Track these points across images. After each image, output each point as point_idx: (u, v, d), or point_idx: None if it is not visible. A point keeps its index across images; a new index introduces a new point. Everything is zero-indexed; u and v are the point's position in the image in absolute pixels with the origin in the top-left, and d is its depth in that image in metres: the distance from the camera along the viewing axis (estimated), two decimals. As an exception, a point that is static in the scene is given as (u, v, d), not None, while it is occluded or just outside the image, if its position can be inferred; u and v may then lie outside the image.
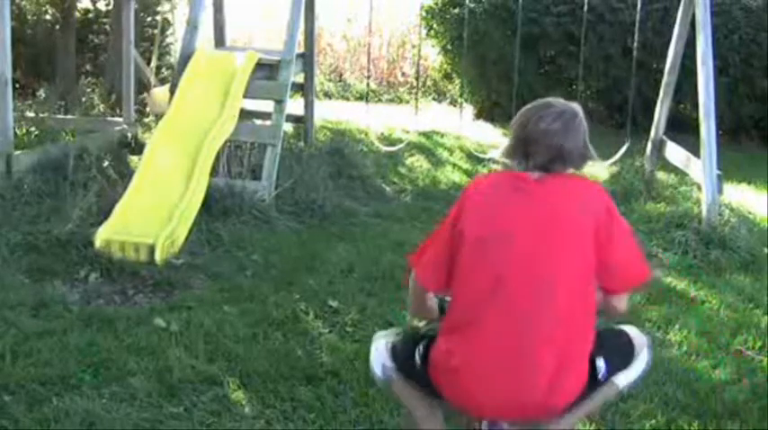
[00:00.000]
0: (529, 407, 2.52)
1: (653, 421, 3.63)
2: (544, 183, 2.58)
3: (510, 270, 2.49)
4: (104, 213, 5.41)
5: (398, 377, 2.79)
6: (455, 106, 11.56)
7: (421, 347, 2.69)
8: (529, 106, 2.69)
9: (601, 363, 2.60)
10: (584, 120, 2.67)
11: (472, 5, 10.52)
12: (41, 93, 9.13)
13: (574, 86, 10.30)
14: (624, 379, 2.72)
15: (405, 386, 2.78)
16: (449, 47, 11.63)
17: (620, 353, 2.73)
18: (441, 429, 2.80)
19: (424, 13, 11.16)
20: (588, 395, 2.61)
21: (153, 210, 5.44)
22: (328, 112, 10.47)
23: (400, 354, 2.78)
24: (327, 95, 12.74)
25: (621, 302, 2.66)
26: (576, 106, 2.69)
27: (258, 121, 7.68)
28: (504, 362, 2.49)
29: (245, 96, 6.62)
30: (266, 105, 7.33)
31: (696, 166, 6.66)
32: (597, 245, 2.51)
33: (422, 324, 2.98)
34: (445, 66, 12.28)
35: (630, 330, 2.87)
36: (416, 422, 2.79)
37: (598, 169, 8.22)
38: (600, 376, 2.61)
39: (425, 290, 2.69)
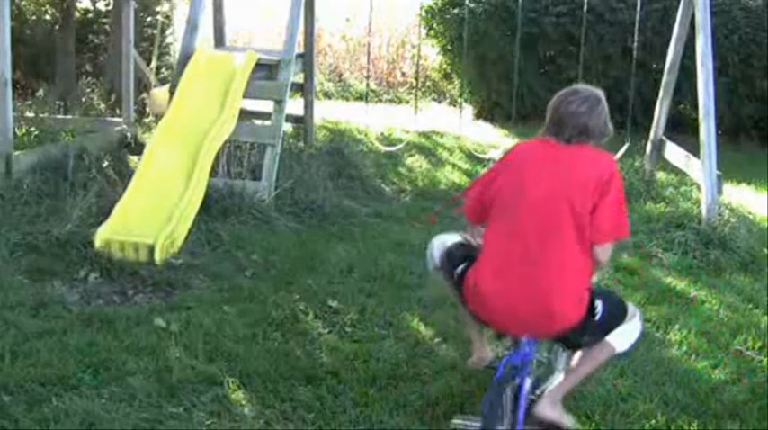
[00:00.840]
0: (542, 324, 3.15)
1: (653, 421, 3.63)
2: (568, 148, 3.23)
3: (527, 213, 3.14)
4: (104, 213, 5.41)
5: (444, 276, 3.53)
6: (455, 106, 11.56)
7: (460, 269, 3.35)
8: (561, 92, 3.34)
9: (599, 305, 3.16)
10: (605, 104, 3.29)
11: (472, 5, 10.53)
12: (41, 93, 9.12)
13: (573, 86, 10.27)
14: (619, 345, 3.25)
15: (445, 283, 3.55)
16: (449, 47, 11.63)
17: (615, 306, 3.30)
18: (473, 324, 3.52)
19: (423, 13, 11.17)
20: (586, 332, 3.16)
21: (153, 210, 5.44)
22: (328, 113, 10.47)
23: (447, 262, 3.48)
24: (327, 95, 12.74)
25: (605, 253, 3.18)
26: (599, 92, 3.31)
27: (258, 122, 7.68)
28: (522, 288, 3.11)
29: (244, 96, 6.62)
30: (266, 105, 7.33)
31: (696, 166, 6.66)
32: (593, 197, 3.09)
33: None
34: (445, 66, 12.28)
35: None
36: (461, 312, 3.58)
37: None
38: (597, 317, 3.16)
39: (468, 219, 3.49)
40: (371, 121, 9.38)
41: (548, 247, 3.10)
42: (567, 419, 3.25)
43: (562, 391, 3.27)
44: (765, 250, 6.06)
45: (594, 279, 3.39)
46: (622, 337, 3.27)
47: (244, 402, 3.59)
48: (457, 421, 3.27)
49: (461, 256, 3.43)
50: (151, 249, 5.05)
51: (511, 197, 3.20)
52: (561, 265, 3.10)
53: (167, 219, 5.32)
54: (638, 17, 8.20)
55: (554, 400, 3.22)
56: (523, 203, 3.16)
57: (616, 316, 3.26)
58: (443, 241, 3.60)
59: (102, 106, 9.02)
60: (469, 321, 3.53)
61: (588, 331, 3.17)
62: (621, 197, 3.19)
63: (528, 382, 3.20)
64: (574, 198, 3.09)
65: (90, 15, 10.91)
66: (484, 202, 3.32)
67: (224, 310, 4.50)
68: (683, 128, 9.33)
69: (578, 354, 3.33)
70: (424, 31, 11.47)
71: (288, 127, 8.11)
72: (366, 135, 9.25)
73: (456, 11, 11.09)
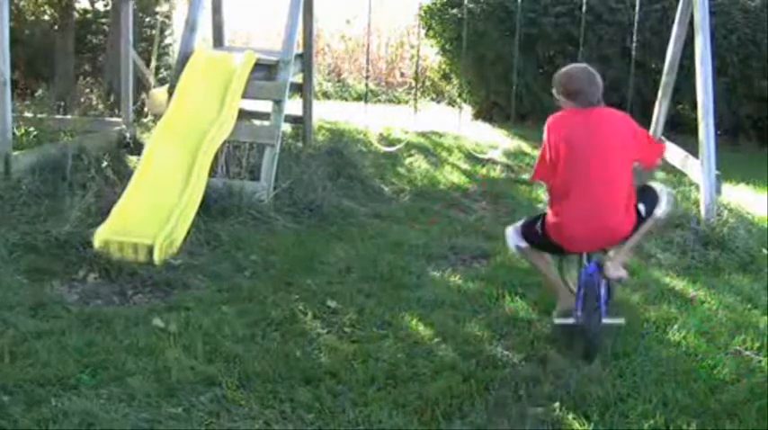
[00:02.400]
0: (606, 238, 4.24)
1: (652, 421, 3.63)
2: (592, 111, 4.26)
3: (583, 158, 4.17)
4: (103, 214, 5.41)
5: (527, 246, 4.42)
6: (454, 106, 11.56)
7: (539, 223, 4.36)
8: (564, 72, 4.38)
9: (641, 207, 4.28)
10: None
11: (471, 6, 10.52)
12: (40, 93, 9.12)
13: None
14: (659, 211, 4.29)
15: (531, 251, 4.44)
16: (447, 47, 11.63)
17: (651, 199, 4.35)
18: (554, 274, 4.53)
19: (422, 14, 11.17)
20: (638, 229, 4.25)
21: (151, 210, 5.44)
22: (327, 113, 10.47)
23: (527, 231, 4.43)
24: (326, 96, 12.74)
25: (655, 164, 4.76)
26: (587, 66, 4.41)
27: (257, 122, 7.67)
28: (588, 212, 4.15)
29: (243, 96, 6.62)
30: (265, 106, 7.33)
31: (694, 167, 6.66)
32: (633, 139, 4.27)
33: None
34: (444, 66, 12.28)
35: (653, 184, 4.60)
36: (543, 272, 4.52)
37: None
38: (643, 215, 4.27)
39: (542, 180, 4.53)
40: (370, 122, 9.38)
41: (604, 180, 4.15)
42: (625, 274, 4.37)
43: (621, 258, 4.31)
44: (764, 250, 6.06)
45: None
46: (659, 209, 4.31)
47: (243, 402, 3.59)
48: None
49: (536, 218, 4.46)
50: (150, 249, 5.05)
51: (569, 151, 4.19)
52: (616, 193, 4.18)
53: (166, 219, 5.33)
54: (636, 17, 8.20)
55: (616, 265, 4.24)
56: (580, 153, 4.17)
57: (653, 203, 4.32)
58: (513, 226, 4.53)
59: (101, 106, 9.01)
60: (553, 274, 4.52)
61: (638, 225, 4.28)
62: (645, 131, 4.54)
63: (603, 283, 4.22)
64: (615, 140, 4.21)
65: (89, 16, 10.91)
66: (548, 167, 4.32)
67: (223, 311, 4.50)
68: (682, 128, 9.32)
69: None
70: (422, 32, 11.46)
71: (287, 127, 8.11)
72: (365, 135, 9.24)
73: (455, 11, 11.08)
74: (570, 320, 4.21)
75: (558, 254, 4.52)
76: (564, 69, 4.42)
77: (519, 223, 4.54)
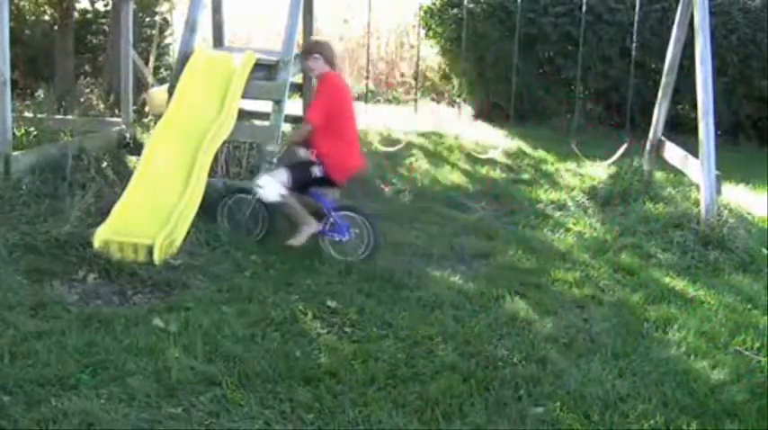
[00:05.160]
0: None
1: (651, 421, 3.63)
2: (341, 75, 5.84)
3: (351, 111, 5.70)
4: (103, 214, 5.41)
5: (288, 193, 5.42)
6: (454, 106, 11.56)
7: (313, 170, 5.48)
8: (322, 42, 5.84)
9: None
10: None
11: (471, 6, 10.53)
12: (40, 93, 9.11)
13: (572, 87, 10.30)
14: None
15: (291, 196, 5.45)
16: (447, 47, 11.63)
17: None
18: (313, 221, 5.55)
19: (422, 14, 11.17)
20: None
21: (151, 210, 5.44)
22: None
23: (299, 180, 5.47)
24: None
25: None
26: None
27: (257, 122, 7.67)
28: (357, 153, 5.74)
29: (243, 96, 6.61)
30: (265, 106, 7.33)
31: (694, 167, 6.66)
32: None
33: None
34: (444, 66, 12.28)
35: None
36: (298, 210, 5.50)
37: (597, 169, 8.24)
38: None
39: (317, 124, 5.55)
40: (371, 122, 9.38)
41: (356, 128, 5.71)
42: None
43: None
44: (764, 250, 6.06)
45: None
46: None
47: (243, 402, 3.59)
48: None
49: (303, 172, 5.52)
50: (150, 249, 5.05)
51: (347, 105, 5.60)
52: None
53: (166, 219, 5.32)
54: (636, 17, 8.20)
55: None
56: (348, 107, 5.62)
57: None
58: (271, 179, 5.44)
59: (101, 106, 9.01)
60: (304, 210, 5.52)
61: None
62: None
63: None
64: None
65: (89, 16, 10.91)
66: (327, 111, 5.46)
67: (223, 311, 4.50)
68: (681, 128, 9.33)
69: None
70: (422, 32, 11.47)
71: (287, 127, 8.10)
72: (365, 135, 9.24)
73: (455, 11, 11.10)
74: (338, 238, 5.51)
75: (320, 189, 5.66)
76: (319, 40, 5.93)
77: (278, 178, 5.41)
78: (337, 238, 5.51)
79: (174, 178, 5.74)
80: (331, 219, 5.53)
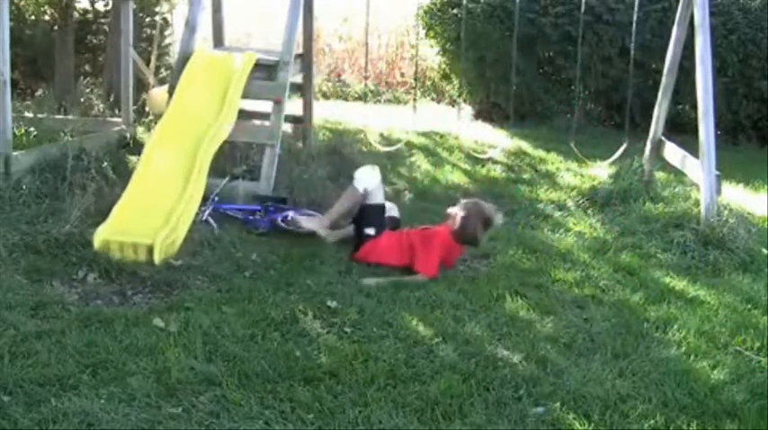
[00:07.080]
0: None
1: (651, 421, 3.63)
2: None
3: None
4: (103, 214, 5.40)
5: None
6: (454, 106, 11.57)
7: None
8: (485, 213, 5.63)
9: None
10: None
11: (471, 6, 10.53)
12: (40, 93, 9.12)
13: (572, 87, 10.31)
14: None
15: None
16: (447, 47, 11.63)
17: None
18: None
19: (422, 14, 11.17)
20: None
21: (151, 210, 5.44)
22: (327, 113, 10.47)
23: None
24: (326, 96, 12.74)
25: None
26: None
27: (257, 122, 7.67)
28: None
29: (243, 97, 6.62)
30: (265, 106, 7.33)
31: (695, 167, 6.66)
32: None
33: None
34: (444, 66, 12.29)
35: None
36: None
37: (597, 169, 8.24)
38: None
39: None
40: (370, 122, 9.38)
41: None
42: None
43: None
44: (764, 250, 6.06)
45: None
46: None
47: (243, 402, 3.59)
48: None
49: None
50: (150, 249, 5.05)
51: None
52: None
53: (166, 219, 5.32)
54: (635, 17, 8.20)
55: None
56: None
57: None
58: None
59: (101, 106, 9.01)
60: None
61: None
62: None
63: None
64: None
65: (89, 16, 10.91)
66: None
67: (223, 311, 4.50)
68: (681, 129, 9.33)
69: None
70: (422, 32, 11.47)
71: (287, 127, 8.11)
72: (365, 135, 9.24)
73: (455, 11, 11.10)
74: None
75: None
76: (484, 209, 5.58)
77: None
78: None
79: (175, 178, 5.74)
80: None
